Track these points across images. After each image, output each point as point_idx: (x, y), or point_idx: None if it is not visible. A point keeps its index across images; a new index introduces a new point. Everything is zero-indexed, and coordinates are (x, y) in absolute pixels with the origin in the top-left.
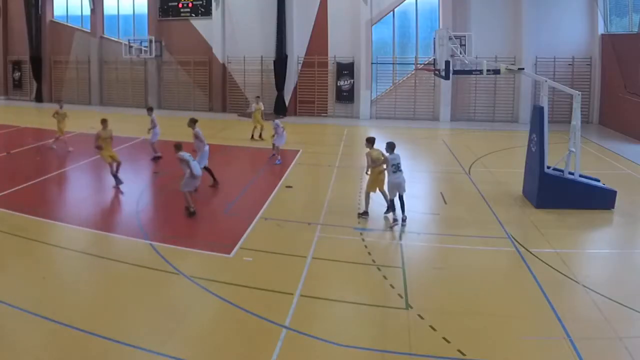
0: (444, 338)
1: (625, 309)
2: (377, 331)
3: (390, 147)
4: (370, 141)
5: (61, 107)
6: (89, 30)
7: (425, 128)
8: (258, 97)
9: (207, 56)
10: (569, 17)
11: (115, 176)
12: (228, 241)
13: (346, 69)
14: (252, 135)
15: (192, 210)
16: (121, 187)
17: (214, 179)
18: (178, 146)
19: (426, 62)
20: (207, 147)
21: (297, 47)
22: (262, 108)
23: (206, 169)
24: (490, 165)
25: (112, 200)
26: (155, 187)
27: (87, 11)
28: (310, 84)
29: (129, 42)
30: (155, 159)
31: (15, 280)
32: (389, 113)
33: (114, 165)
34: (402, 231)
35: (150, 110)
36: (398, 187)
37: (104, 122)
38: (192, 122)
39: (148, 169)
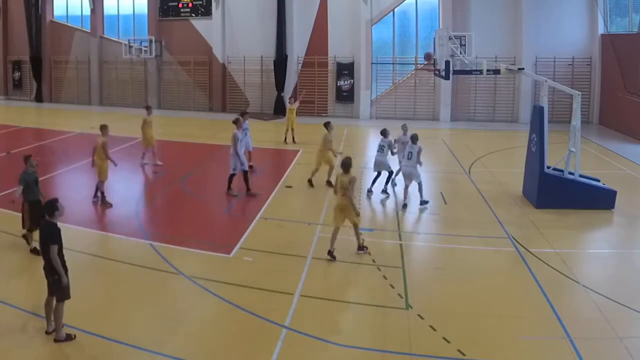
0: (444, 338)
1: (625, 309)
2: (377, 331)
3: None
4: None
5: (149, 114)
6: (89, 30)
7: (425, 128)
8: (291, 97)
9: (207, 56)
10: (569, 17)
11: (103, 193)
12: (228, 241)
13: (346, 69)
14: (285, 139)
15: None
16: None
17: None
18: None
19: (426, 62)
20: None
21: (297, 47)
22: (294, 107)
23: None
24: (490, 165)
25: (112, 200)
26: (155, 187)
27: (87, 11)
28: (310, 84)
29: (129, 42)
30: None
31: (16, 280)
32: (388, 113)
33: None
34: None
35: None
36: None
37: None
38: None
39: (148, 169)
